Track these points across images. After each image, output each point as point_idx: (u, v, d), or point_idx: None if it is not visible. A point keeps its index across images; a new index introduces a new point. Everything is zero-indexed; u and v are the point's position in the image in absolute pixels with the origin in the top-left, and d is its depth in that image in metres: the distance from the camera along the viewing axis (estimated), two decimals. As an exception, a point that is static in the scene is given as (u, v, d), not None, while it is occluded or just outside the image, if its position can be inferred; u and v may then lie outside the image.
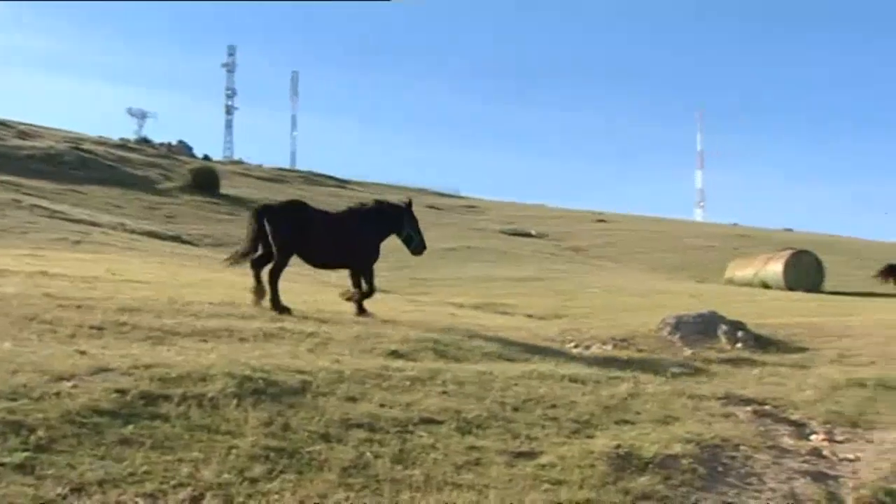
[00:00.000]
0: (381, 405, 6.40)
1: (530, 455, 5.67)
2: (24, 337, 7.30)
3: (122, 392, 5.67)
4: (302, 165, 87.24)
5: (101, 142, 65.18)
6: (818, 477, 5.72)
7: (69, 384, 5.66)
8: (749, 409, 7.67)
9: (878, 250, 50.95)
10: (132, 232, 33.67)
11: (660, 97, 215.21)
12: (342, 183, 74.94)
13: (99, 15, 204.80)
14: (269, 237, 11.59)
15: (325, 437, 5.54)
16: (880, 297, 29.22)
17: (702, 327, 12.59)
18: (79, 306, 9.24)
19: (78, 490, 4.27)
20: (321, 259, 12.38)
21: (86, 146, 58.05)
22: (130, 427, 5.16)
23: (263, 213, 11.74)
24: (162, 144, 79.33)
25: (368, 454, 5.31)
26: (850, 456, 6.35)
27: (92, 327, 8.21)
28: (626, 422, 6.80)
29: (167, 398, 5.75)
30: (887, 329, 13.86)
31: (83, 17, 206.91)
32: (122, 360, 6.48)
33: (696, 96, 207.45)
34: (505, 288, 25.00)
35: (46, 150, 51.87)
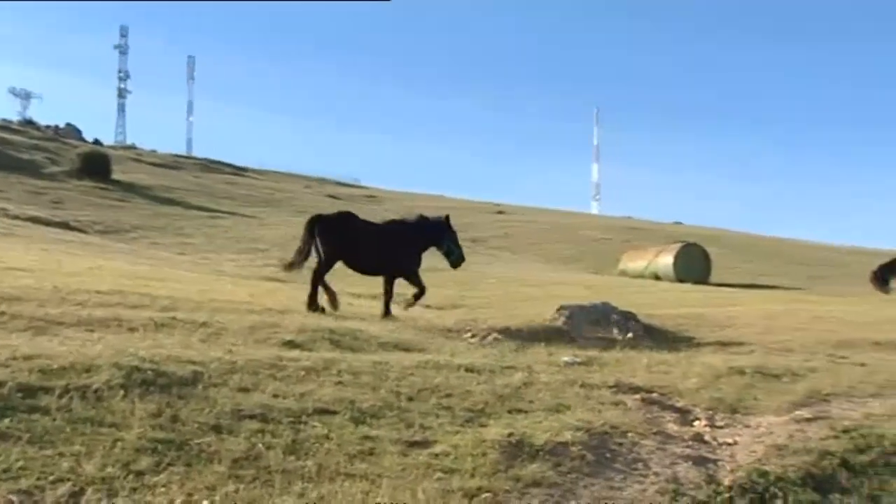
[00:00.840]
0: (275, 396, 6.32)
1: (424, 444, 5.70)
2: None
3: (-3, 384, 5.43)
4: (198, 152, 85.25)
5: (-21, 122, 62.02)
6: (699, 461, 5.94)
7: (-59, 376, 5.39)
8: (637, 396, 7.89)
9: (761, 243, 53.32)
10: (14, 217, 32.19)
11: (559, 91, 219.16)
12: (239, 170, 73.54)
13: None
14: (318, 244, 12.78)
15: (216, 429, 5.44)
16: (762, 289, 30.61)
17: (595, 317, 12.93)
18: (-47, 295, 8.79)
19: (-53, 488, 4.07)
20: (363, 265, 13.47)
21: (-37, 126, 55.09)
22: (6, 421, 4.94)
23: (315, 223, 12.96)
24: (48, 127, 76.07)
25: (260, 445, 5.23)
26: (729, 440, 6.61)
27: (-33, 317, 7.83)
28: (519, 410, 6.90)
29: (48, 390, 5.53)
30: (766, 319, 14.55)
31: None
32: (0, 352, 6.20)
33: (593, 91, 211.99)
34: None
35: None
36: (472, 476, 5.15)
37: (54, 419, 5.11)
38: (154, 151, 76.10)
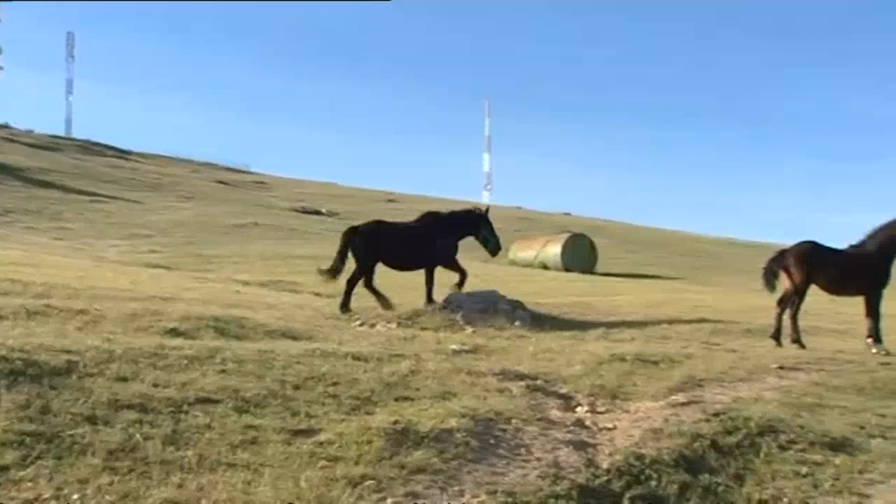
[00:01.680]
0: (155, 385, 6.14)
1: (309, 433, 5.65)
2: None
3: None
4: (78, 133, 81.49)
5: None
6: (580, 446, 6.10)
7: None
8: (522, 383, 8.03)
9: (645, 235, 55.08)
10: None
11: (451, 81, 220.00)
12: (123, 154, 70.83)
13: None
14: (351, 253, 14.09)
15: (91, 420, 5.24)
16: (645, 279, 31.65)
17: (483, 306, 13.10)
18: None
19: None
20: (399, 263, 14.62)
21: None
22: None
23: (349, 235, 14.27)
24: (-88, 103, 71.21)
25: (138, 436, 5.08)
26: (609, 425, 6.82)
27: None
28: (405, 398, 6.92)
29: None
30: (647, 308, 15.07)
31: None
32: None
33: (485, 81, 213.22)
34: (293, 266, 24.68)
35: None
36: (357, 464, 5.14)
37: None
38: (31, 131, 72.43)
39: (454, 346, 9.89)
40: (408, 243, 14.37)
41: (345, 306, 13.45)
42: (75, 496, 4.25)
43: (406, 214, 52.39)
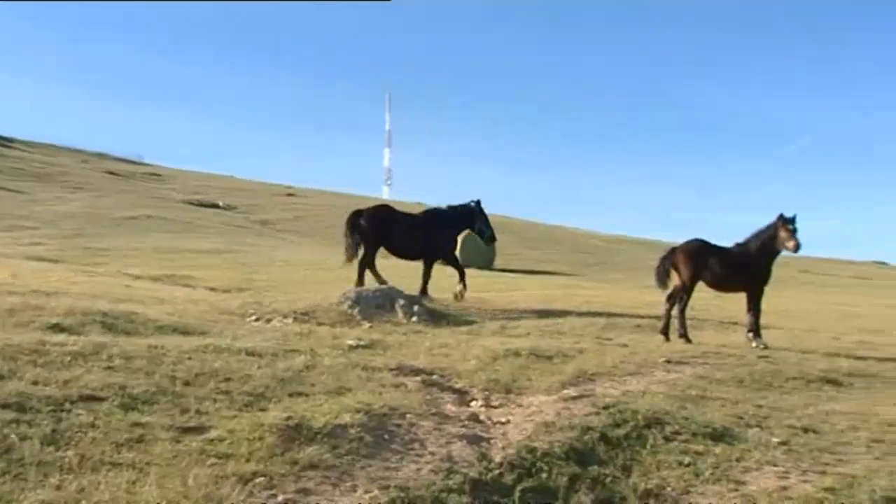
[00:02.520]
0: (35, 383, 5.91)
1: (199, 430, 5.53)
2: None
3: None
4: (-45, 118, 77.08)
5: None
6: (473, 440, 6.17)
7: None
8: (418, 378, 8.07)
9: (544, 232, 56.01)
10: None
11: (353, 75, 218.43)
12: (5, 141, 67.50)
13: None
14: (359, 235, 14.66)
15: (-37, 420, 4.99)
16: (542, 275, 32.18)
17: (380, 301, 13.06)
18: None
19: None
20: (402, 251, 15.25)
21: None
22: None
23: (354, 217, 14.83)
24: None
25: (14, 436, 4.87)
26: (503, 419, 6.92)
27: None
28: (300, 394, 6.86)
29: None
30: (543, 304, 15.32)
31: None
32: None
33: (386, 75, 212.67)
34: (188, 260, 24.09)
35: None
36: (248, 461, 5.06)
37: None
38: None
39: (350, 342, 9.85)
40: (414, 232, 15.00)
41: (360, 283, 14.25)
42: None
43: (306, 208, 51.61)
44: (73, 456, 4.76)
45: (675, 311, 12.13)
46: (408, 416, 6.53)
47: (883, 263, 61.48)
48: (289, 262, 24.85)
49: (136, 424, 5.45)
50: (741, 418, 7.10)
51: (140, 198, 45.08)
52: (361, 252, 14.83)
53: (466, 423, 6.74)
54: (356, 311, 12.63)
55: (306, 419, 5.86)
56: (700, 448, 6.19)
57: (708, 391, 8.13)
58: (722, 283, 12.41)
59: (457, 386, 8.15)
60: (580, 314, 14.09)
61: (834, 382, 9.09)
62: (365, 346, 9.71)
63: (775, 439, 6.47)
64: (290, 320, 11.87)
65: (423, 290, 14.65)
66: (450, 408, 7.21)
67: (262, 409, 6.22)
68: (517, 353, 9.42)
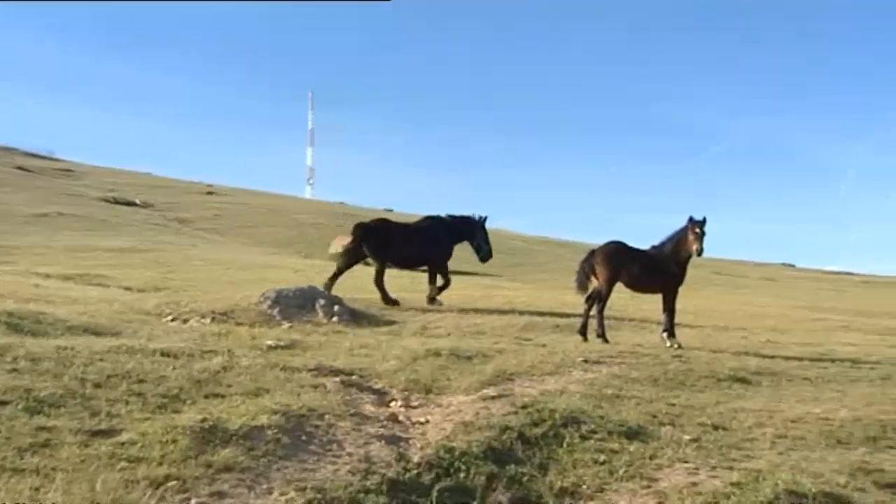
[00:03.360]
0: (-68, 387, 5.66)
1: (109, 433, 5.39)
2: None
3: None
4: None
5: None
6: (392, 440, 6.16)
7: None
8: (338, 379, 8.02)
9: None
10: None
11: (275, 73, 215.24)
12: None
13: None
14: (364, 248, 15.23)
15: None
16: (465, 275, 32.35)
17: (301, 301, 12.94)
18: None
19: None
20: (401, 261, 15.78)
21: None
22: None
23: (357, 230, 15.40)
24: None
25: None
26: (422, 419, 6.93)
27: None
28: (216, 395, 6.75)
29: None
30: (465, 304, 15.40)
31: None
32: None
33: (309, 74, 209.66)
34: (102, 259, 23.41)
35: None
36: (160, 464, 4.96)
37: None
38: None
39: (269, 342, 9.73)
40: (411, 242, 15.44)
41: (387, 300, 14.56)
42: None
43: (226, 207, 50.66)
44: (-27, 462, 4.58)
45: (593, 312, 12.34)
46: (326, 416, 6.49)
47: (790, 265, 63.86)
48: (208, 262, 24.39)
49: (42, 428, 5.28)
50: (655, 417, 7.26)
51: (52, 194, 43.60)
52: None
53: (385, 423, 6.73)
54: (276, 311, 12.48)
55: (222, 421, 5.76)
56: (615, 446, 6.31)
57: (624, 390, 8.29)
58: (638, 285, 12.67)
59: (376, 386, 8.13)
60: (501, 314, 14.20)
61: (742, 381, 9.37)
62: (284, 347, 9.61)
63: (687, 437, 6.65)
64: (207, 320, 11.66)
65: (433, 299, 15.16)
66: (369, 408, 7.19)
67: (177, 412, 6.10)
68: (437, 354, 9.44)
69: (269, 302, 12.68)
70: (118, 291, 15.72)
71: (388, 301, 14.56)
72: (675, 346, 11.65)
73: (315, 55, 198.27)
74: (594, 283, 12.54)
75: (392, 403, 7.55)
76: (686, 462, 6.04)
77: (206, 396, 6.67)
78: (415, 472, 5.49)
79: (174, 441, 5.30)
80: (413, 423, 6.82)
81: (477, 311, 14.61)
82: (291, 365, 8.27)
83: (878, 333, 16.88)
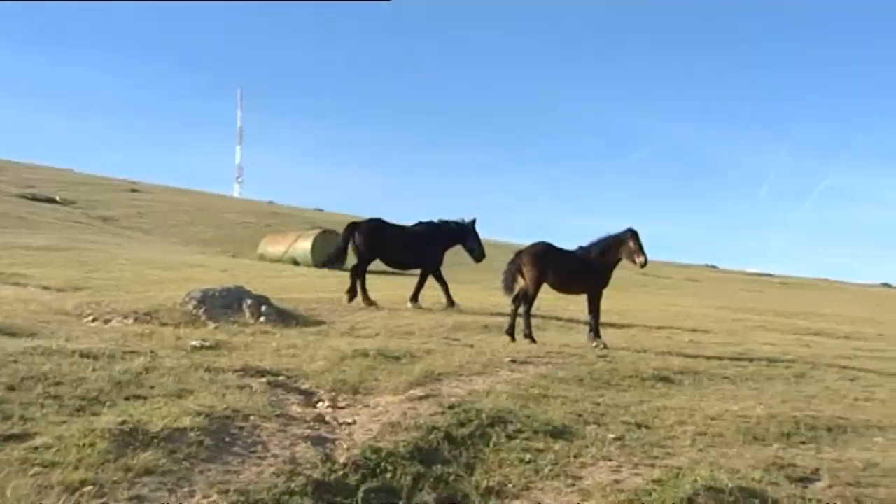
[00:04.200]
0: None
1: (22, 437, 5.22)
2: None
3: None
4: None
5: None
6: (318, 441, 6.11)
7: None
8: (264, 380, 7.93)
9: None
10: None
11: (203, 70, 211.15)
12: None
13: None
14: (352, 247, 15.67)
15: None
16: (394, 276, 32.27)
17: (227, 301, 12.74)
18: None
19: None
20: (394, 262, 16.38)
21: None
22: None
23: (350, 229, 15.77)
24: None
25: None
26: (349, 420, 6.89)
27: None
28: (137, 397, 6.60)
29: None
30: (392, 304, 15.38)
31: None
32: None
33: (238, 72, 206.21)
34: (19, 257, 22.62)
35: None
36: (76, 468, 4.82)
37: None
38: None
39: (194, 343, 9.56)
40: (404, 244, 15.81)
41: (367, 301, 15.08)
42: None
43: (150, 205, 49.66)
44: None
45: (520, 312, 12.44)
46: (251, 418, 6.40)
47: (713, 266, 65.55)
48: (132, 261, 23.79)
49: (-51, 434, 5.08)
50: (580, 416, 7.37)
51: (-34, 190, 42.04)
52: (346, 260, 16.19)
53: (312, 424, 6.67)
54: (201, 311, 12.27)
55: (143, 423, 5.63)
56: (541, 445, 6.38)
57: (550, 390, 8.39)
58: (564, 286, 12.83)
59: (303, 387, 8.06)
60: (430, 315, 14.23)
61: (666, 380, 9.57)
62: (209, 347, 9.45)
63: (611, 435, 6.76)
64: (130, 321, 11.40)
65: (449, 300, 15.63)
66: (295, 409, 7.11)
67: (95, 414, 5.94)
68: (365, 354, 9.40)
69: (194, 302, 12.45)
70: (36, 291, 15.21)
71: (367, 302, 15.07)
72: (601, 346, 11.83)
73: (244, 52, 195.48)
74: (521, 284, 12.65)
75: (319, 404, 7.49)
76: (610, 460, 6.14)
77: (127, 398, 6.52)
78: (341, 473, 5.45)
79: (92, 445, 5.16)
80: (340, 424, 6.77)
81: (406, 311, 14.62)
82: (217, 366, 8.13)
83: (794, 333, 17.47)
